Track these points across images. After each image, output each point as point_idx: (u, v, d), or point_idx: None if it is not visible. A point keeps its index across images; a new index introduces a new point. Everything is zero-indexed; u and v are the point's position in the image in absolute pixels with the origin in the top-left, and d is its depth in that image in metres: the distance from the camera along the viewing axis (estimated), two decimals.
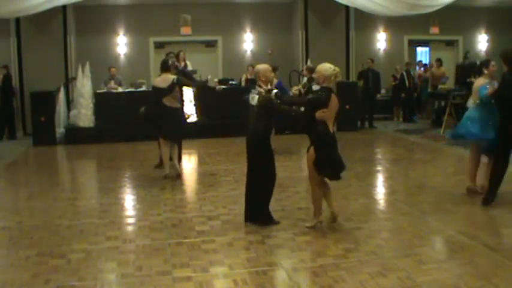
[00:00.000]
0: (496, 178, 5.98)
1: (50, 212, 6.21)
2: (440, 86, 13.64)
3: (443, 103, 13.24)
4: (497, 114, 6.10)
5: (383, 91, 15.11)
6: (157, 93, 7.72)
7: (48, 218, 5.93)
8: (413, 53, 16.65)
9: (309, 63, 12.81)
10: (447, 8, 13.61)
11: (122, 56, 14.60)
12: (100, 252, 4.75)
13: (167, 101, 7.69)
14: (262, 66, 5.57)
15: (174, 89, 7.74)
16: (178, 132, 7.99)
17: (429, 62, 16.03)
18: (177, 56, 12.63)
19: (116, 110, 11.61)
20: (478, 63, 12.65)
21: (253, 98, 5.39)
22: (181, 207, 6.33)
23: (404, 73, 14.45)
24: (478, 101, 6.36)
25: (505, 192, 6.42)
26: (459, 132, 6.66)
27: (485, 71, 6.45)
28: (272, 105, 5.27)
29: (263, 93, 5.31)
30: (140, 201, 6.68)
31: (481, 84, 6.38)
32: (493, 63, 6.47)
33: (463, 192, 6.70)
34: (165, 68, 7.92)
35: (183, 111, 8.46)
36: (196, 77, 12.72)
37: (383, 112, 14.90)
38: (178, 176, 7.91)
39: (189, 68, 12.54)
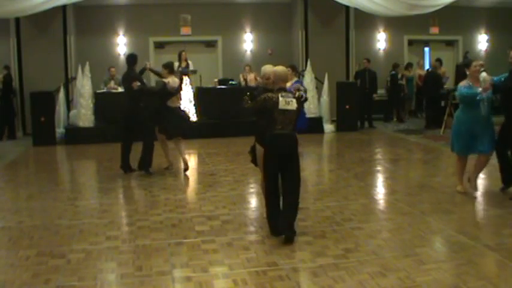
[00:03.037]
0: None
1: (50, 212, 6.21)
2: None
3: (443, 103, 13.22)
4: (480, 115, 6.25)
5: (382, 91, 15.11)
6: (169, 93, 8.15)
7: (48, 218, 5.93)
8: (421, 53, 16.50)
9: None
10: (447, 8, 13.63)
11: (122, 56, 14.58)
12: (100, 252, 4.75)
13: (172, 102, 8.20)
14: (283, 69, 5.24)
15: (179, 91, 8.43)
16: (185, 128, 8.50)
17: (429, 63, 16.02)
18: (179, 56, 12.69)
19: (116, 110, 11.59)
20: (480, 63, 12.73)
21: (290, 103, 5.02)
22: (181, 207, 6.33)
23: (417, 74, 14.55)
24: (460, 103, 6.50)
25: (504, 192, 6.43)
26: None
27: (468, 72, 6.39)
28: (301, 107, 5.26)
29: (299, 96, 5.18)
30: (140, 201, 6.68)
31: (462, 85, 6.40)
32: (474, 63, 6.37)
33: (463, 192, 6.71)
34: (172, 70, 8.49)
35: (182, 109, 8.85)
36: (196, 77, 12.79)
37: (382, 112, 14.93)
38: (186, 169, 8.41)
39: (191, 67, 12.58)
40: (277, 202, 5.07)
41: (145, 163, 8.26)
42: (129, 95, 8.21)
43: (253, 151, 5.60)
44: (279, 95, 5.02)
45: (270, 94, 5.06)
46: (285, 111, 5.01)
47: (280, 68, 5.22)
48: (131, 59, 8.47)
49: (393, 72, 14.57)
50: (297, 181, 5.10)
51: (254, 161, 5.61)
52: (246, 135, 10.97)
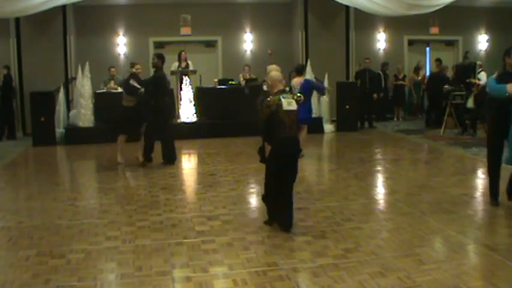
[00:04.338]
0: None
1: (49, 212, 6.21)
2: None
3: (444, 103, 13.23)
4: None
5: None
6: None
7: (48, 218, 5.93)
8: (421, 53, 16.41)
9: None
10: (447, 8, 13.63)
11: (122, 56, 14.60)
12: (100, 252, 4.75)
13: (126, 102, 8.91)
14: (276, 70, 5.46)
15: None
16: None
17: (429, 63, 15.99)
18: (178, 56, 12.68)
19: (116, 110, 11.60)
20: (478, 63, 12.72)
21: (292, 103, 5.16)
22: (181, 207, 6.33)
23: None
24: None
25: (504, 193, 6.41)
26: None
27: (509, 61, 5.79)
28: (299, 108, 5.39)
29: (296, 98, 5.38)
30: (140, 201, 6.67)
31: None
32: None
33: (463, 192, 6.70)
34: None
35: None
36: (196, 77, 12.78)
37: (382, 112, 14.94)
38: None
39: (190, 67, 12.57)
40: (278, 196, 5.26)
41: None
42: (165, 94, 8.86)
43: (261, 151, 5.68)
44: (280, 97, 5.15)
45: (270, 98, 5.21)
46: (289, 112, 5.15)
47: (274, 73, 5.43)
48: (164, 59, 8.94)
49: (378, 72, 14.52)
50: (294, 181, 5.37)
51: (263, 160, 5.70)
52: (246, 135, 11.05)
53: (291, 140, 5.23)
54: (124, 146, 9.20)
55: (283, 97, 5.15)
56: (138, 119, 8.78)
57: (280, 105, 5.09)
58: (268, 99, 5.22)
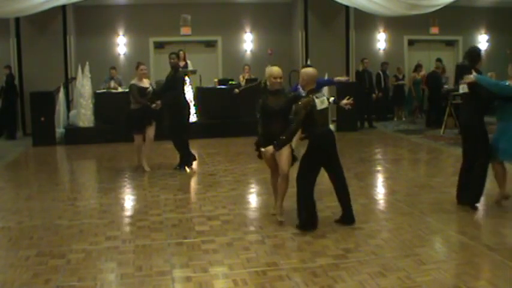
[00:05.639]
0: None
1: (49, 212, 6.21)
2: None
3: (443, 104, 13.23)
4: None
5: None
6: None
7: (48, 218, 5.93)
8: (421, 53, 16.45)
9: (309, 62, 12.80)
10: (447, 8, 13.63)
11: (122, 56, 14.60)
12: (100, 252, 4.75)
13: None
14: (314, 69, 5.45)
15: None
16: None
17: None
18: (177, 55, 12.65)
19: (116, 110, 11.61)
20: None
21: (324, 101, 5.28)
22: (181, 207, 6.33)
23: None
24: None
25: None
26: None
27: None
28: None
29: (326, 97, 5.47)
30: (140, 201, 6.68)
31: None
32: None
33: None
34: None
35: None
36: (196, 77, 12.77)
37: (382, 112, 14.94)
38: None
39: (190, 67, 12.56)
40: (312, 194, 5.37)
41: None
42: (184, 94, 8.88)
43: (258, 146, 5.71)
44: (314, 97, 5.21)
45: (304, 100, 5.21)
46: (322, 110, 5.26)
47: (311, 69, 5.44)
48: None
49: (377, 72, 14.53)
50: (341, 167, 5.51)
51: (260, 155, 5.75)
52: (246, 135, 11.05)
53: (325, 135, 5.30)
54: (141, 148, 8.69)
55: (317, 97, 5.23)
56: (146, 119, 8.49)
57: (314, 105, 5.17)
58: (303, 100, 5.21)
